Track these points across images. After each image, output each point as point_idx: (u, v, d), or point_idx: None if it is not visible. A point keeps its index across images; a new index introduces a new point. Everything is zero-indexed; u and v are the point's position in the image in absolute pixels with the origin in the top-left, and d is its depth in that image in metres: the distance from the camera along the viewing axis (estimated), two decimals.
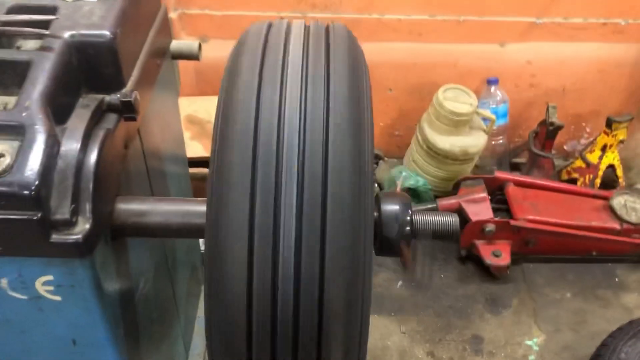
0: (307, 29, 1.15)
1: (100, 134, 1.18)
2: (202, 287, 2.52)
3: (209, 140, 2.68)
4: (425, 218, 1.33)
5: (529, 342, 2.53)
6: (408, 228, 1.26)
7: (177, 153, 2.02)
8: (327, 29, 1.15)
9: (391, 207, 1.26)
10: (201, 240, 2.54)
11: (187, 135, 2.62)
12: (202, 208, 1.28)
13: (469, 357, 2.46)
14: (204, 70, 2.93)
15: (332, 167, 0.96)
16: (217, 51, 2.63)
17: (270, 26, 1.15)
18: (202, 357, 2.31)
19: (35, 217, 1.05)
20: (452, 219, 1.33)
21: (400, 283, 2.72)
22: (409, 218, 1.26)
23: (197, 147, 2.54)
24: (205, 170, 2.47)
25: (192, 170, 2.33)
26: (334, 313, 0.98)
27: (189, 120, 2.64)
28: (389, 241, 1.25)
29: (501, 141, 3.19)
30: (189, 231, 1.30)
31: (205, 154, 2.54)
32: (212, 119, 2.82)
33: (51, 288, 1.20)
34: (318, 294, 0.97)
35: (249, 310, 0.99)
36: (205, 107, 2.73)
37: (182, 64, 2.98)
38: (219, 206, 0.98)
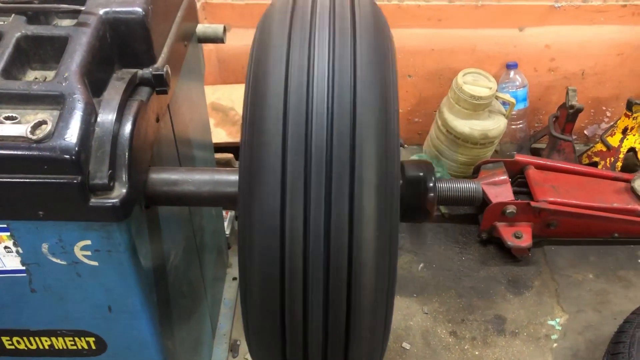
0: None
1: (134, 105, 1.24)
2: (227, 271, 2.59)
3: (232, 126, 2.76)
4: (448, 184, 1.36)
5: (551, 322, 2.54)
6: (432, 194, 1.29)
7: (203, 135, 2.07)
8: None
9: (415, 174, 1.29)
10: (225, 224, 2.59)
11: (211, 122, 2.67)
12: (231, 177, 1.33)
13: (492, 336, 2.48)
14: (227, 59, 2.99)
15: (359, 122, 1.00)
16: (239, 40, 2.68)
17: None
18: (227, 337, 2.36)
19: (75, 181, 1.11)
20: (475, 185, 1.36)
21: (421, 265, 2.75)
22: (432, 184, 1.29)
23: (220, 133, 2.59)
24: (229, 155, 2.52)
25: (217, 155, 2.39)
26: (363, 263, 1.02)
27: (213, 108, 2.69)
28: (413, 206, 1.29)
29: (521, 126, 3.20)
30: (219, 199, 1.35)
31: (229, 139, 2.60)
32: (235, 106, 2.89)
33: (89, 253, 1.26)
34: (348, 250, 1.01)
35: (282, 267, 1.03)
36: (228, 95, 2.78)
37: (205, 53, 3.05)
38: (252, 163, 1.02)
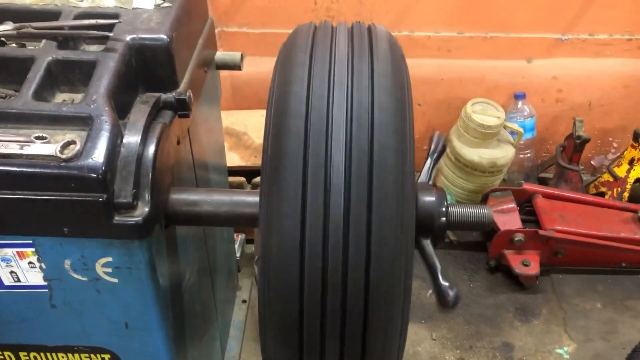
0: (350, 27, 1.25)
1: (158, 127, 1.28)
2: (237, 294, 2.61)
3: (245, 150, 2.80)
4: (460, 210, 1.39)
5: (559, 351, 2.54)
6: (444, 219, 1.32)
7: (218, 158, 2.12)
8: (369, 28, 1.25)
9: (427, 199, 1.32)
10: (236, 247, 2.63)
11: (225, 146, 2.73)
12: (249, 198, 1.38)
13: None
14: (240, 86, 3.05)
15: (377, 143, 1.04)
16: (253, 67, 2.74)
17: (316, 27, 1.25)
18: (237, 359, 2.37)
19: (100, 199, 1.15)
20: (486, 211, 1.39)
21: (430, 291, 2.76)
22: (444, 209, 1.32)
23: (234, 157, 2.64)
24: (241, 179, 2.57)
25: (230, 178, 2.43)
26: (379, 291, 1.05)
27: (226, 132, 2.74)
28: (425, 230, 1.32)
29: (529, 155, 3.24)
30: (237, 219, 1.39)
31: (241, 163, 2.64)
32: (249, 131, 2.93)
33: (110, 270, 1.29)
34: (364, 275, 1.04)
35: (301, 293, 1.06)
36: (241, 120, 2.84)
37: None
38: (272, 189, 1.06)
